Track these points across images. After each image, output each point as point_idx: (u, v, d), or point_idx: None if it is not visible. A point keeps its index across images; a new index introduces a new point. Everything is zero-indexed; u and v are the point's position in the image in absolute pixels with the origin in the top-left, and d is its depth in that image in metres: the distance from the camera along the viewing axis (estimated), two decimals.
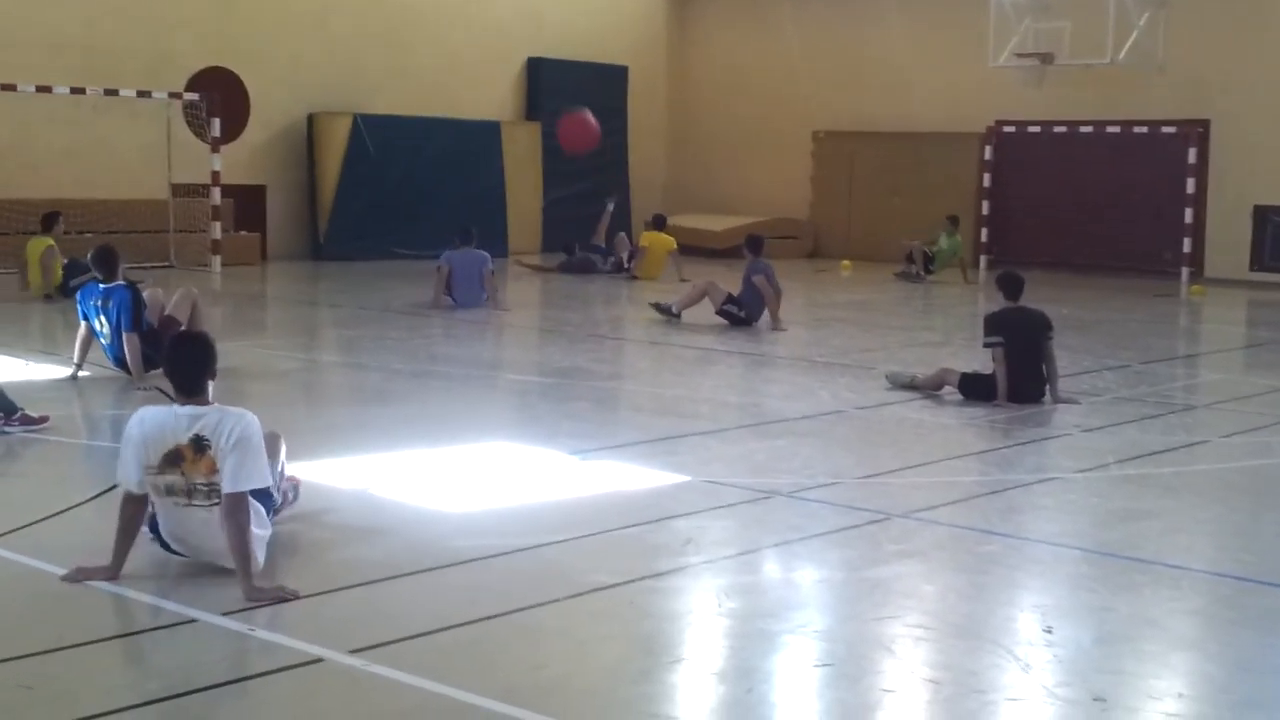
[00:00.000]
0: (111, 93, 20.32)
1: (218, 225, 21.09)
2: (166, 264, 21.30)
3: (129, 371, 10.83)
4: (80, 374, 10.96)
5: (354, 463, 8.18)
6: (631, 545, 6.70)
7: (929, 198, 25.60)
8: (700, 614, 5.83)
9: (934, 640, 5.48)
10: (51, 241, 16.76)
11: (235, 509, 5.65)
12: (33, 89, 19.55)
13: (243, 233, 22.70)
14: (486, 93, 26.95)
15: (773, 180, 28.54)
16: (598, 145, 20.30)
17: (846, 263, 25.20)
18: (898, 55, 26.98)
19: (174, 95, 21.24)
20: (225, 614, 5.40)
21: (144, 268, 20.45)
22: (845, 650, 5.32)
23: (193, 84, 21.76)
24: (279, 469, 6.48)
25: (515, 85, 27.67)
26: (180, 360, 5.91)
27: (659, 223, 21.95)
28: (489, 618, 5.51)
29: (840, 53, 27.85)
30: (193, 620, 5.36)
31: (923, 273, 22.42)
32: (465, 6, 26.31)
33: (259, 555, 5.84)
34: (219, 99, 21.63)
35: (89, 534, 6.41)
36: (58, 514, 6.89)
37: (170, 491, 5.75)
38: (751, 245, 16.00)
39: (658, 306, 15.88)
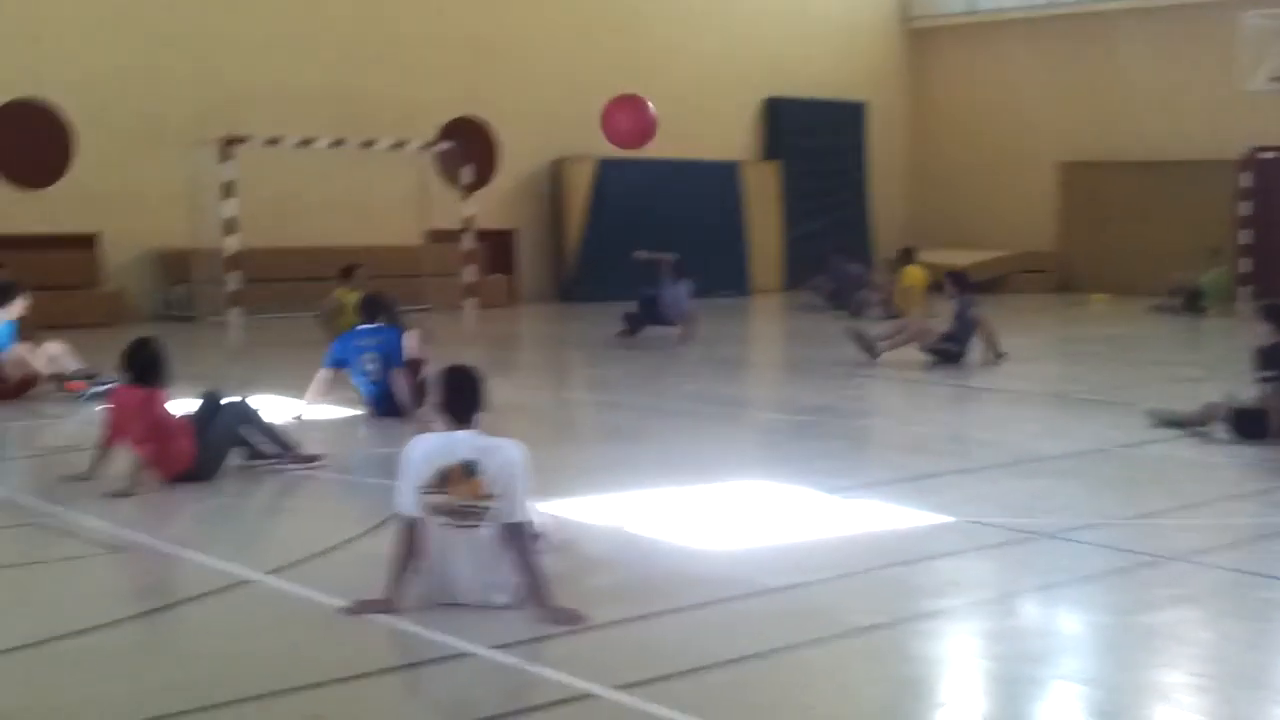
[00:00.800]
0: (369, 144, 21.13)
1: (471, 269, 21.72)
2: (424, 307, 22.00)
3: (385, 412, 11.21)
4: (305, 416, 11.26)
5: (608, 500, 8.29)
6: (893, 585, 6.63)
7: (1183, 228, 24.73)
8: (966, 658, 5.73)
9: (1216, 690, 5.27)
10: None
11: (516, 536, 5.88)
12: (296, 142, 20.48)
13: (494, 275, 23.34)
14: (725, 133, 27.17)
15: (1017, 213, 27.98)
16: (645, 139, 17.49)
17: (1099, 296, 24.50)
18: (1143, 81, 26.22)
19: (427, 145, 21.99)
20: (497, 647, 5.53)
21: (402, 311, 21.24)
22: (1120, 700, 5.15)
23: (445, 133, 22.50)
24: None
25: (753, 125, 27.84)
26: (455, 390, 6.14)
27: (911, 256, 21.09)
28: (753, 656, 5.51)
29: (1083, 81, 27.19)
30: (467, 654, 5.50)
31: (1184, 306, 21.54)
32: (703, 50, 26.61)
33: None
34: (469, 147, 22.31)
35: (364, 568, 6.67)
36: (334, 549, 7.17)
37: (437, 510, 5.96)
38: (958, 281, 15.47)
39: (860, 340, 15.11)
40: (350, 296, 16.51)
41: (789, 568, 6.79)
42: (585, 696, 5.05)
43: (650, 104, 16.71)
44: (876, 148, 29.03)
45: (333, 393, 11.48)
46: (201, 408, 9.08)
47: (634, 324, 17.37)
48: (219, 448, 8.97)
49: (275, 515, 8.72)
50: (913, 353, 15.00)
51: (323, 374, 11.50)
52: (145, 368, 8.70)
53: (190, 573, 6.74)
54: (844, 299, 21.62)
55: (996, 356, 14.91)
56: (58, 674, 5.35)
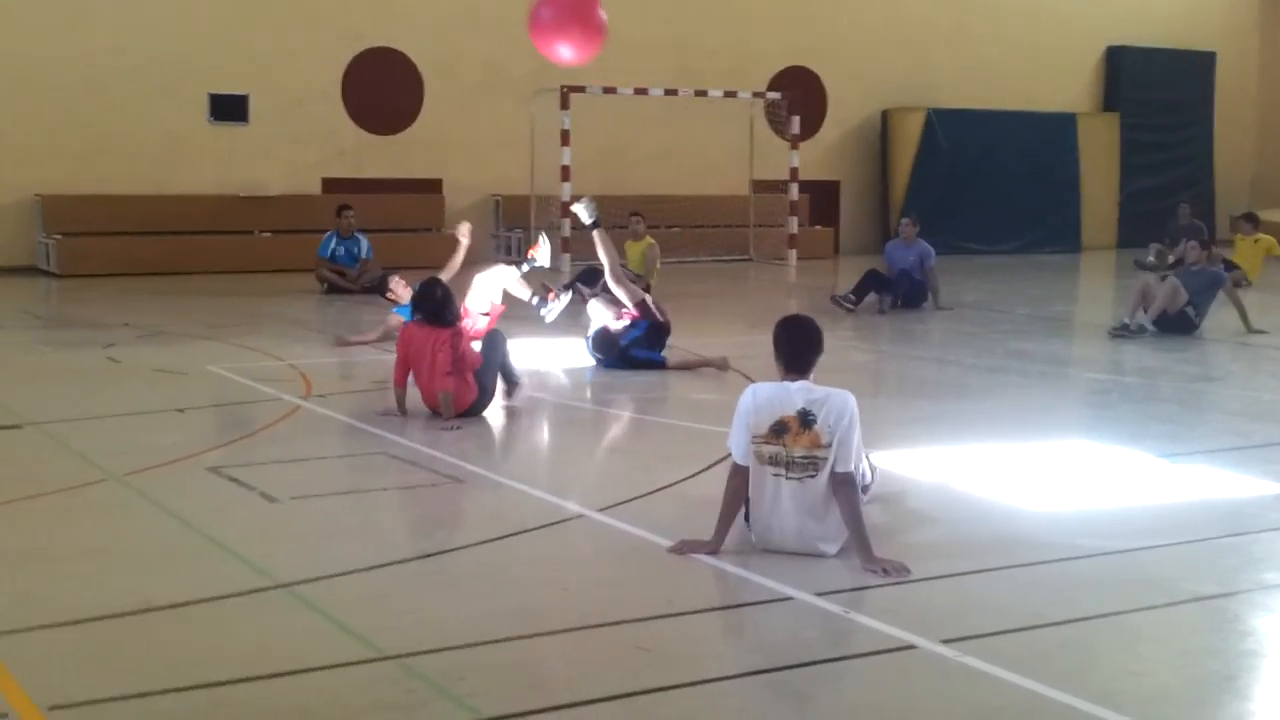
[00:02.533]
0: (701, 93, 21.38)
1: (794, 220, 21.77)
2: (745, 258, 22.21)
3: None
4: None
5: (933, 454, 8.24)
6: (1233, 555, 6.37)
7: None
8: None
9: None
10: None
11: (846, 485, 5.96)
12: (631, 91, 20.89)
13: (817, 227, 23.30)
14: (1062, 84, 26.31)
15: None
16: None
17: None
18: None
19: (757, 95, 22.08)
20: (819, 594, 5.60)
21: (723, 260, 21.48)
22: None
23: (774, 83, 22.53)
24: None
25: (1093, 75, 26.85)
26: (793, 340, 6.22)
27: (1255, 221, 19.82)
28: (1083, 619, 5.42)
29: None
30: (789, 598, 5.59)
31: None
32: None
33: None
34: (799, 97, 22.29)
35: (687, 510, 6.86)
36: (659, 490, 7.37)
37: (771, 461, 6.04)
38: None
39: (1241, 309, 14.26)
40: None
41: (1121, 532, 6.62)
42: (907, 648, 5.07)
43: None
44: (1225, 101, 27.56)
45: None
46: (486, 345, 9.55)
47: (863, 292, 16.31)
48: (493, 381, 9.46)
49: (598, 452, 9.01)
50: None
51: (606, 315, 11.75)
52: (437, 307, 9.13)
53: (524, 505, 7.04)
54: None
55: (1251, 330, 14.02)
56: (402, 595, 5.70)
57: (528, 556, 6.25)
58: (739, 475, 6.14)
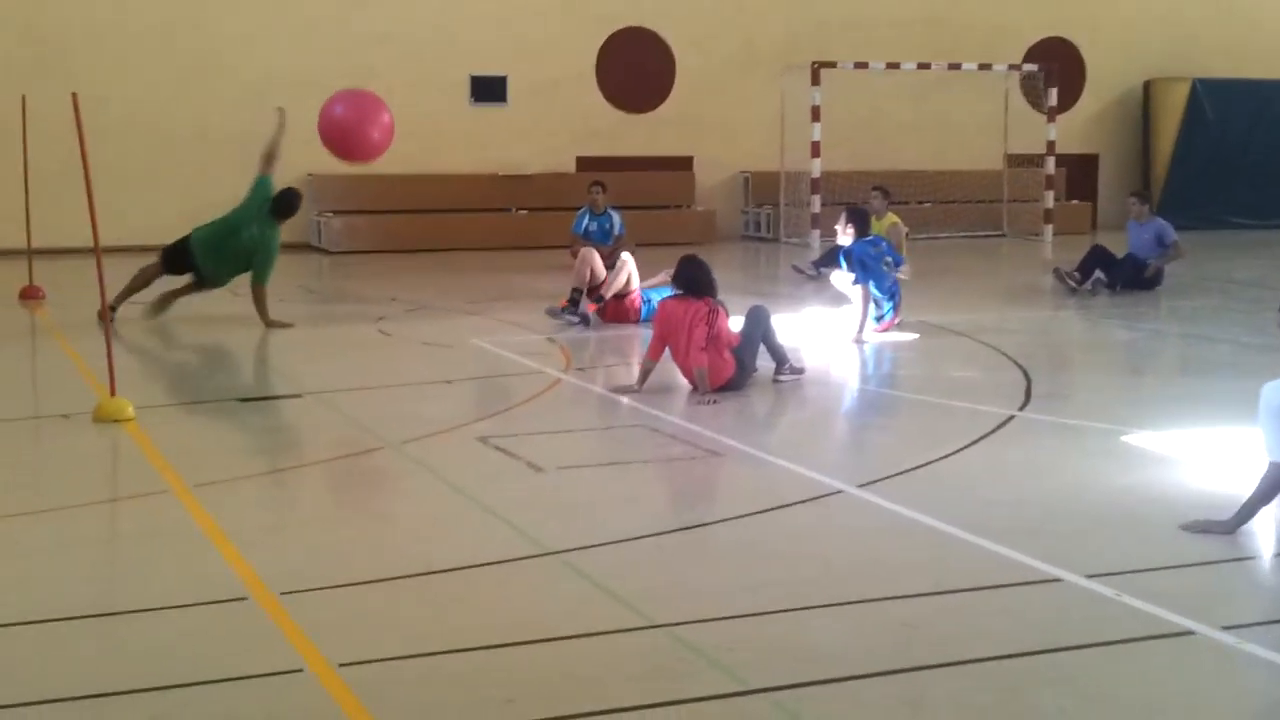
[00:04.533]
0: (954, 67, 21.02)
1: (1050, 195, 21.23)
2: (999, 233, 21.78)
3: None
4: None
5: (1204, 435, 7.95)
6: None
7: None
8: None
9: None
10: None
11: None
12: (882, 66, 20.66)
13: (1074, 202, 22.69)
14: None
15: None
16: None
17: None
18: None
19: (1013, 67, 21.59)
20: (1090, 576, 5.50)
21: (976, 236, 21.11)
22: None
23: (1030, 55, 21.98)
24: None
25: None
26: None
27: None
28: None
29: None
30: (1058, 579, 5.50)
31: None
32: None
33: None
34: (1056, 69, 21.71)
35: (949, 488, 6.82)
36: (920, 466, 7.32)
37: None
38: None
39: None
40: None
41: None
42: (1185, 633, 4.94)
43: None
44: None
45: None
46: (748, 321, 9.54)
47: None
48: (753, 357, 9.45)
49: (857, 428, 9.00)
50: None
51: (860, 288, 11.66)
52: (693, 281, 9.20)
53: (784, 480, 7.08)
54: None
55: None
56: (666, 565, 5.82)
57: (788, 531, 6.30)
58: (1274, 474, 5.92)
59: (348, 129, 11.65)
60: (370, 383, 9.90)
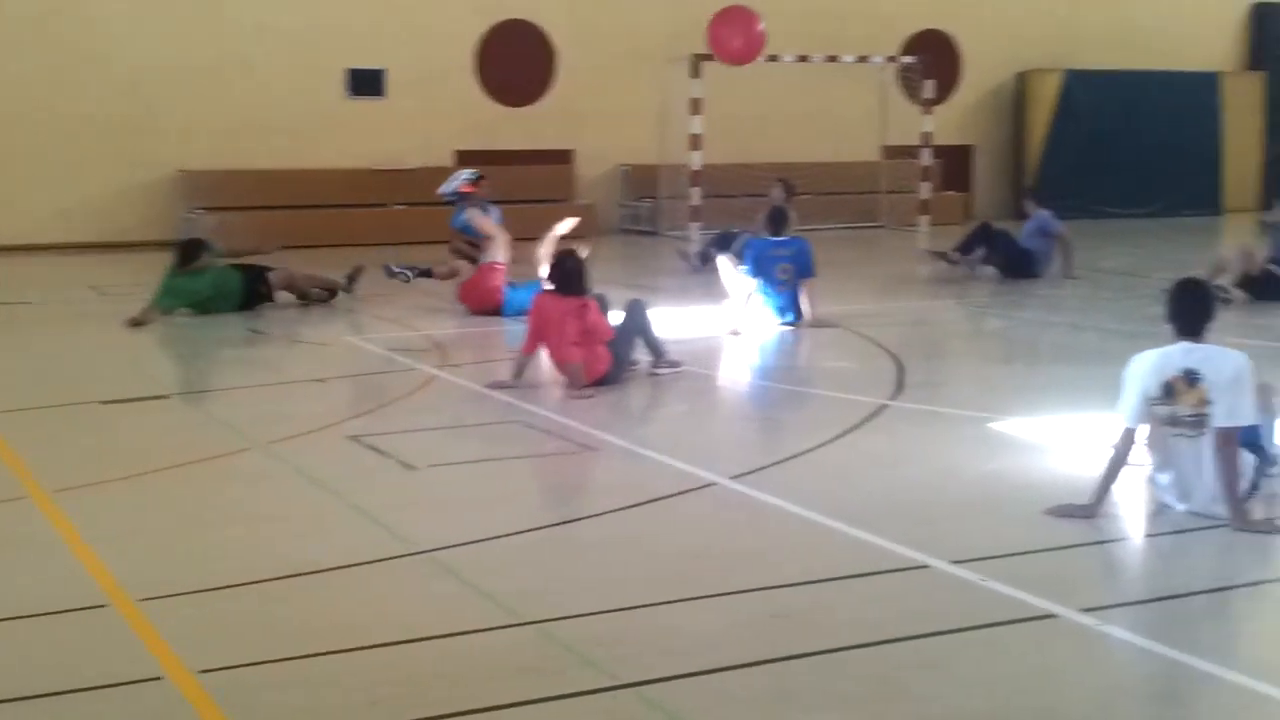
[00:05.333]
0: (833, 59, 21.20)
1: (926, 186, 21.51)
2: (877, 224, 22.01)
3: (792, 321, 11.74)
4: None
5: (1070, 421, 8.09)
6: None
7: None
8: None
9: None
10: None
11: (1224, 443, 6.00)
12: (763, 58, 20.75)
13: (950, 192, 23.01)
14: (1204, 43, 25.60)
15: None
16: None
17: None
18: None
19: (890, 59, 21.84)
20: (956, 562, 5.56)
21: (855, 228, 21.30)
22: None
23: (908, 47, 22.24)
24: (1274, 423, 6.58)
25: (1237, 33, 26.07)
26: (1185, 303, 6.32)
27: None
28: (1229, 587, 5.34)
29: None
30: (925, 566, 5.56)
31: None
32: None
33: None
34: (932, 61, 21.99)
35: (822, 477, 6.87)
36: (793, 457, 7.37)
37: (1169, 421, 6.16)
38: None
39: None
40: None
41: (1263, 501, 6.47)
42: (1047, 616, 5.02)
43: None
44: None
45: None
46: (625, 315, 9.56)
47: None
48: (629, 351, 9.46)
49: (731, 421, 9.03)
50: None
51: (747, 284, 11.85)
52: (567, 277, 9.19)
53: (658, 473, 7.07)
54: None
55: None
56: (537, 562, 5.79)
57: (661, 524, 6.30)
58: (1125, 438, 6.23)
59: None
60: (239, 383, 9.75)
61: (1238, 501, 5.98)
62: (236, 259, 13.35)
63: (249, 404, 9.01)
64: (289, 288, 13.24)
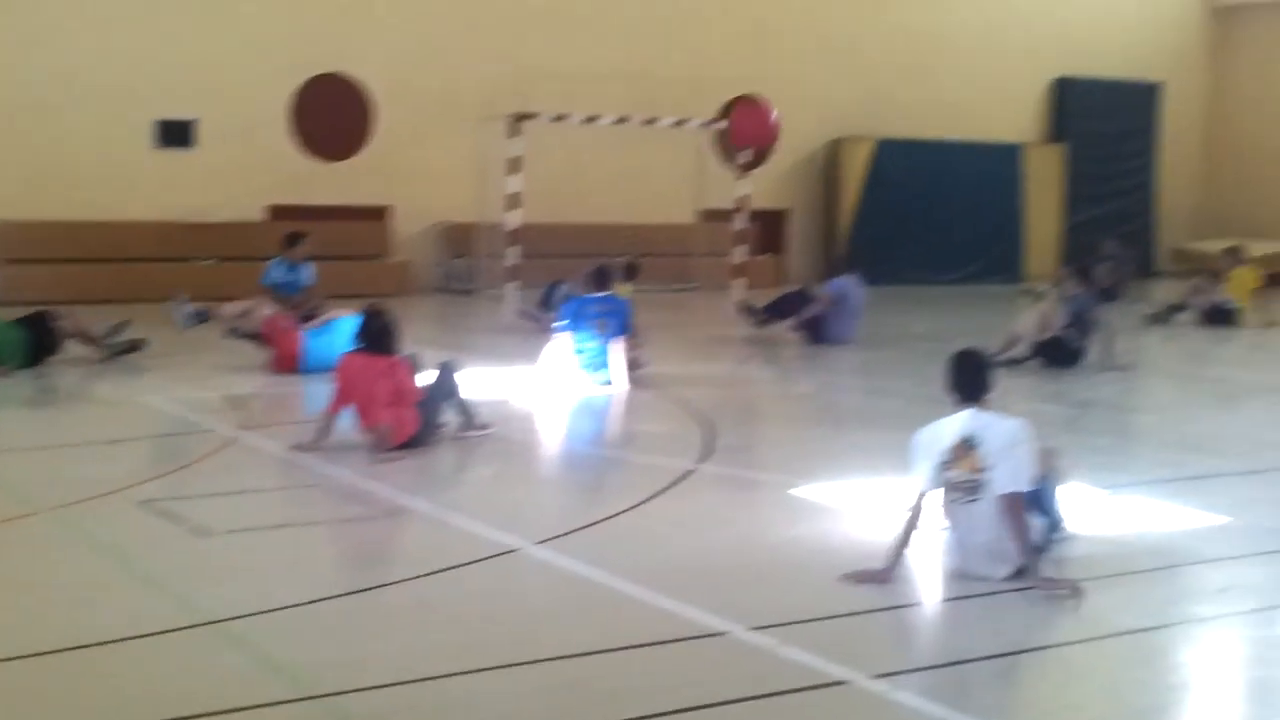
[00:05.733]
0: (650, 122, 21.42)
1: (742, 249, 21.80)
2: (692, 286, 22.24)
3: (606, 380, 11.78)
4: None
5: (872, 484, 8.23)
6: (1161, 588, 6.43)
7: None
8: (1238, 667, 5.52)
9: None
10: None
11: (1009, 507, 6.15)
12: (581, 119, 20.90)
13: (765, 256, 23.38)
14: (1009, 115, 26.55)
15: None
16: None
17: None
18: None
19: (707, 123, 22.14)
20: (754, 629, 5.59)
21: (670, 290, 21.48)
22: None
23: (724, 112, 22.59)
24: (1057, 487, 6.83)
25: (1040, 106, 27.11)
26: (965, 371, 6.49)
27: (1238, 256, 18.89)
28: (1016, 652, 5.45)
29: None
30: (723, 633, 5.58)
31: None
32: (991, 28, 26.04)
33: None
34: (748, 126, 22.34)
35: (627, 542, 6.87)
36: (598, 522, 7.35)
37: (947, 485, 6.31)
38: (1083, 277, 14.30)
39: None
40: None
41: (1056, 562, 6.64)
42: (840, 683, 5.06)
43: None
44: (1170, 131, 27.90)
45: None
46: (435, 377, 9.45)
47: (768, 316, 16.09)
48: (438, 413, 9.35)
49: (538, 485, 8.97)
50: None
51: (560, 339, 11.95)
52: (376, 336, 9.09)
53: (462, 539, 6.99)
54: (1119, 290, 20.71)
55: (1110, 367, 13.43)
56: (332, 631, 5.65)
57: (463, 592, 6.22)
58: (918, 504, 6.35)
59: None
60: (26, 444, 9.37)
61: (1035, 563, 6.13)
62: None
63: (35, 467, 8.66)
64: (80, 336, 12.74)
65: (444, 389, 9.43)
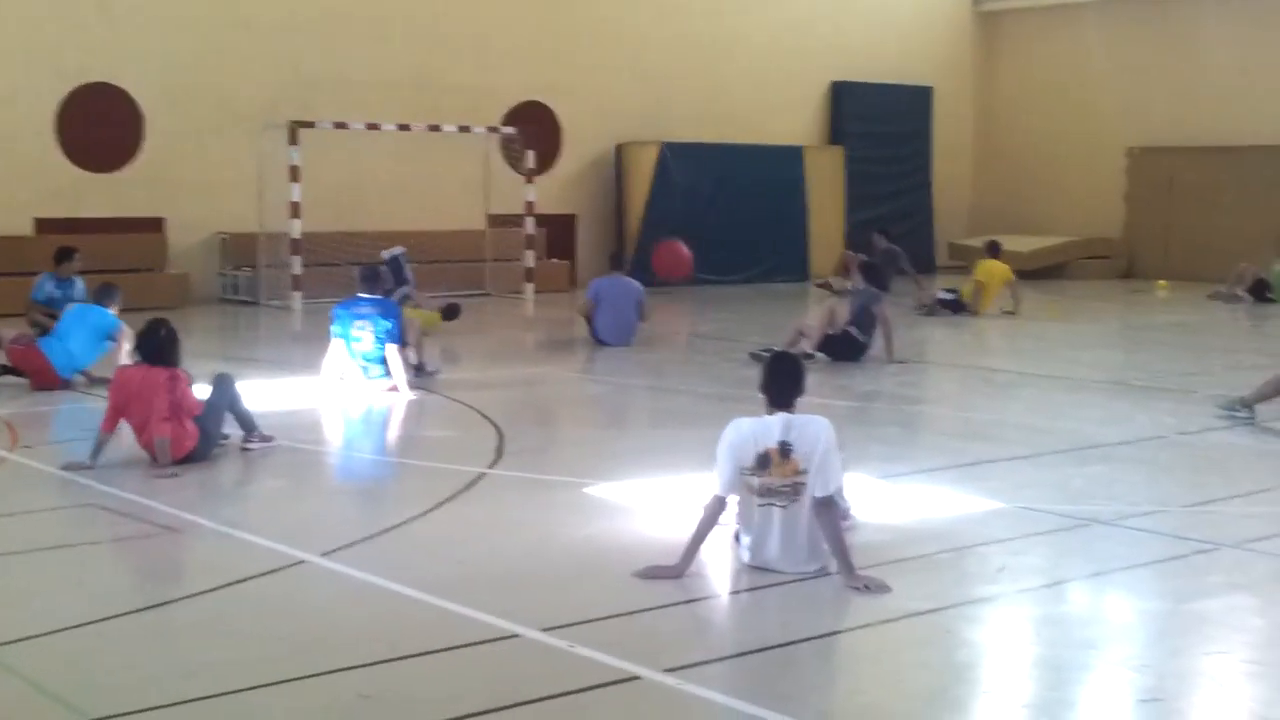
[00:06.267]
0: (435, 129, 21.25)
1: (531, 254, 21.81)
2: (483, 292, 22.14)
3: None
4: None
5: (661, 483, 8.30)
6: (944, 571, 6.61)
7: (1253, 215, 24.43)
8: (1016, 644, 5.71)
9: (1269, 677, 5.22)
10: None
11: (826, 508, 6.23)
12: (363, 126, 20.62)
13: (554, 260, 23.41)
14: (790, 118, 27.06)
15: (1083, 198, 27.69)
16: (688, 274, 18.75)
17: (1163, 283, 24.22)
18: (1216, 65, 25.85)
19: (492, 129, 22.07)
20: (545, 630, 5.57)
21: (462, 295, 21.32)
22: (1171, 685, 5.12)
23: (509, 118, 22.55)
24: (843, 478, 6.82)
25: (819, 109, 27.71)
26: (778, 375, 6.51)
27: (994, 250, 19.94)
28: (802, 640, 5.53)
29: (1154, 65, 26.83)
30: (515, 635, 5.55)
31: (1246, 295, 21.25)
32: (770, 33, 26.50)
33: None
34: (533, 132, 22.38)
35: (414, 550, 6.79)
36: (385, 531, 7.25)
37: (761, 492, 6.29)
38: (867, 271, 14.91)
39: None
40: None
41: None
42: (631, 679, 5.08)
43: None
44: (942, 133, 28.83)
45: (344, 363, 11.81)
46: (213, 389, 9.21)
47: None
48: (218, 426, 9.13)
49: (325, 495, 8.81)
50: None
51: (333, 345, 11.79)
52: (156, 350, 8.83)
53: (245, 553, 6.81)
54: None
55: (892, 360, 13.84)
56: (112, 653, 5.45)
57: (247, 606, 6.06)
58: (716, 505, 6.35)
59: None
60: None
61: (848, 560, 6.21)
62: None
63: None
64: None
65: (223, 401, 9.18)
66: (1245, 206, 24.84)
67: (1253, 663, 5.37)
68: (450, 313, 16.43)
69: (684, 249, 17.83)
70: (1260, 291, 21.32)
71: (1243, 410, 10.56)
